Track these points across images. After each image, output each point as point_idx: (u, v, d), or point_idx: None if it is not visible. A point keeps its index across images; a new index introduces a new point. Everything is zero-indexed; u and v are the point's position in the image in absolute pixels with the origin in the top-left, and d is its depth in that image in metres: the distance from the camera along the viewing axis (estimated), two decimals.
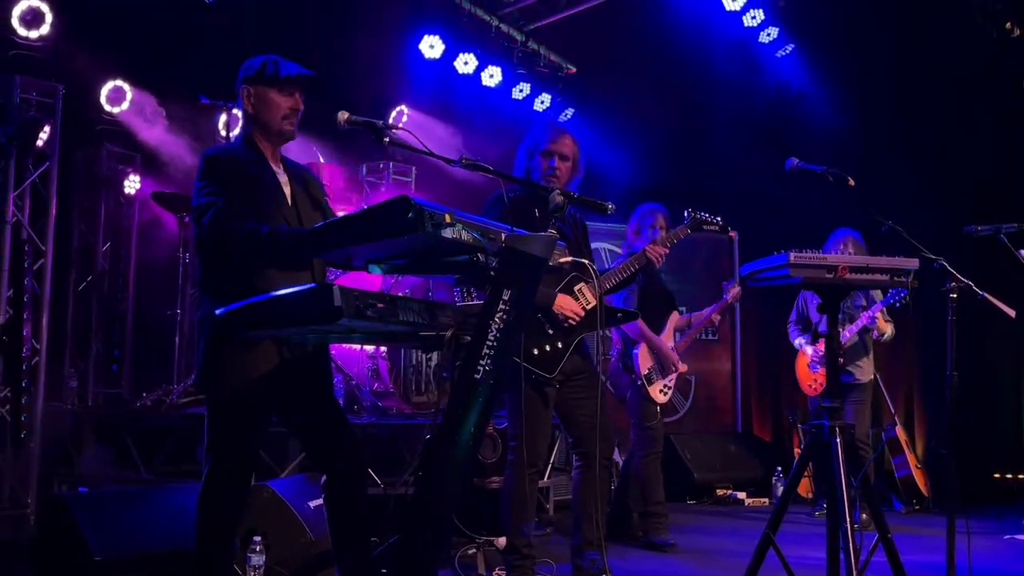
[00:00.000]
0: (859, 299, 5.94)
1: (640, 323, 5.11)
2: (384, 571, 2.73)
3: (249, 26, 6.93)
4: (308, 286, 2.26)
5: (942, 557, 3.68)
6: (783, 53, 8.13)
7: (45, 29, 6.14)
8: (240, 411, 2.93)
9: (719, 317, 5.60)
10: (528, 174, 3.88)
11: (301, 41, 7.39)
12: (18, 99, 5.88)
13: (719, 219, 4.38)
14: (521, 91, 8.78)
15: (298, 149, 6.17)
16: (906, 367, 7.67)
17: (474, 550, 4.40)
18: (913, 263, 3.06)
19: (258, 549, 3.66)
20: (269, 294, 2.35)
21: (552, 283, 3.73)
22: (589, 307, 3.75)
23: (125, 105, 7.39)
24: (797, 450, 7.45)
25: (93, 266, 7.78)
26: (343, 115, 2.81)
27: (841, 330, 5.70)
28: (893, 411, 7.00)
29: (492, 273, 2.41)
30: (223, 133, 6.81)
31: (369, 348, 6.86)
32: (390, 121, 7.79)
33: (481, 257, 2.40)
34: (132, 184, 7.93)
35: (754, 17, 7.93)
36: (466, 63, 8.26)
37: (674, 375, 5.30)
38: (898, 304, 5.73)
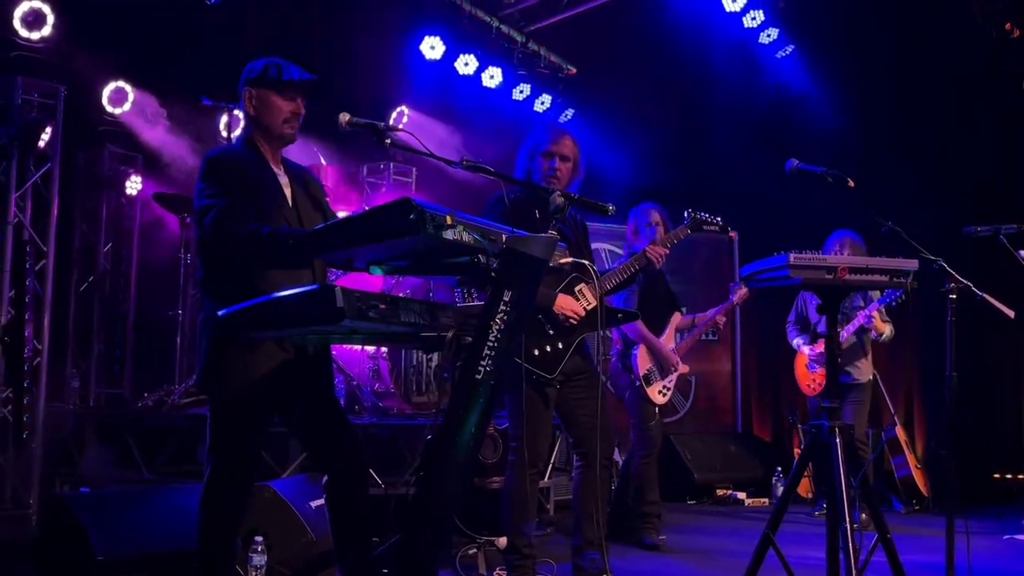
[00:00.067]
0: (857, 300, 5.95)
1: (639, 324, 5.11)
2: (385, 571, 2.73)
3: (250, 27, 6.95)
4: (310, 287, 2.27)
5: (941, 557, 3.69)
6: (783, 54, 8.14)
7: (47, 30, 6.15)
8: (242, 412, 2.94)
9: (724, 318, 5.61)
10: (529, 175, 3.89)
11: (302, 42, 7.42)
12: (20, 100, 5.90)
13: (719, 219, 4.39)
14: (521, 92, 8.79)
15: (298, 150, 6.17)
16: (906, 367, 7.67)
17: (475, 550, 4.41)
18: (912, 264, 3.07)
19: (260, 549, 3.66)
20: (272, 295, 2.36)
21: (553, 284, 3.74)
22: (589, 307, 3.76)
23: (126, 106, 7.40)
24: (797, 450, 7.46)
25: (95, 267, 7.79)
26: (344, 117, 2.82)
27: (839, 330, 5.71)
28: (893, 411, 7.01)
29: (493, 274, 2.41)
30: (224, 134, 6.82)
31: (370, 348, 6.87)
32: (391, 122, 7.82)
33: (482, 258, 2.41)
34: (134, 185, 7.94)
35: (754, 18, 7.95)
36: (466, 64, 8.27)
37: (674, 376, 5.31)
38: (894, 304, 5.75)
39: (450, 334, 2.46)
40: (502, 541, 4.04)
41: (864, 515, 4.72)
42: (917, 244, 3.60)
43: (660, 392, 5.24)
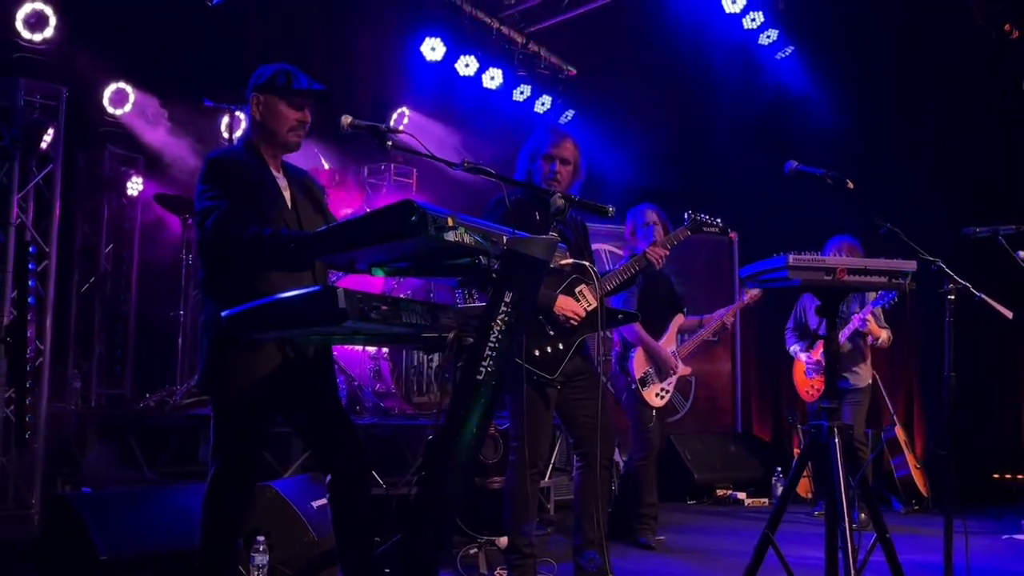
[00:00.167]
0: (853, 305, 5.96)
1: (637, 326, 5.11)
2: (387, 571, 2.75)
3: (251, 29, 6.96)
4: (313, 288, 2.28)
5: (940, 557, 3.69)
6: (783, 55, 8.15)
7: (49, 32, 6.16)
8: (245, 412, 2.95)
9: (732, 318, 5.61)
10: (529, 177, 3.89)
11: (303, 43, 7.43)
12: (22, 102, 5.92)
13: (719, 221, 4.39)
14: (522, 93, 8.80)
15: (300, 151, 6.19)
16: (905, 368, 7.68)
17: (476, 550, 4.42)
18: (911, 265, 3.07)
19: (262, 549, 3.67)
20: (274, 296, 2.37)
21: (553, 285, 3.75)
22: (590, 308, 3.77)
23: (128, 107, 7.41)
24: (797, 450, 7.47)
25: (96, 267, 7.81)
26: (346, 119, 2.83)
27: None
28: (892, 412, 7.02)
29: (494, 275, 2.43)
30: (226, 135, 6.83)
31: (371, 349, 6.88)
32: (391, 123, 7.84)
33: (483, 260, 2.43)
34: (135, 186, 7.96)
35: (754, 19, 7.95)
36: (467, 65, 8.28)
37: (673, 378, 5.31)
38: (887, 306, 5.75)
39: (451, 335, 2.47)
40: (503, 541, 4.05)
41: (863, 515, 4.73)
42: (916, 245, 3.61)
43: (657, 395, 5.24)
